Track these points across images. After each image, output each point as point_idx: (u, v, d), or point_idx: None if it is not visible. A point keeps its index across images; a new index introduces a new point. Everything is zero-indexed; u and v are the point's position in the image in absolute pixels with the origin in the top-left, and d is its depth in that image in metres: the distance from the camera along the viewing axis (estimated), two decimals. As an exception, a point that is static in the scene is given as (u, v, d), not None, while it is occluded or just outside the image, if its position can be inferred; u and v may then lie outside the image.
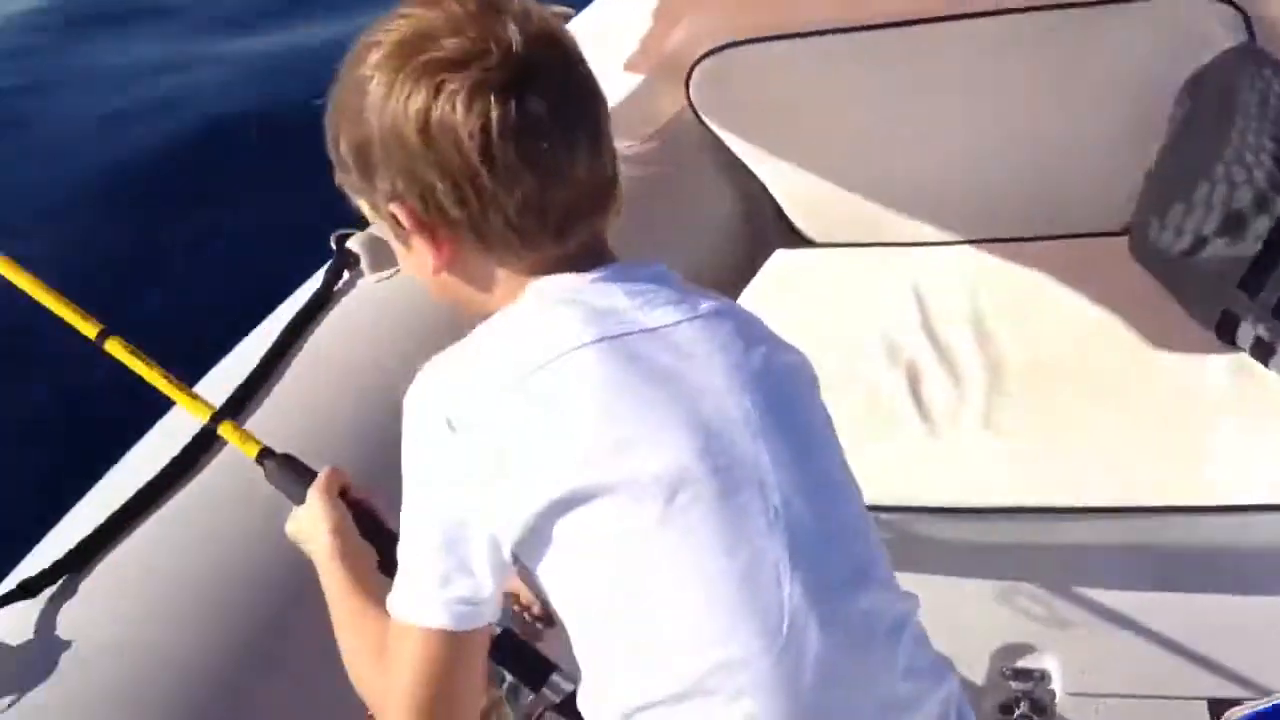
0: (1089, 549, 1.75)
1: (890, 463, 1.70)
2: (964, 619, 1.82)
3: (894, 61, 2.12)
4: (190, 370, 1.45)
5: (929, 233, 2.18)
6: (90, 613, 1.32)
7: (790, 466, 0.96)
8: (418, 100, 0.92)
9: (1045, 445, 1.75)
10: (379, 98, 0.95)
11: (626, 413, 0.94)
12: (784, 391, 1.00)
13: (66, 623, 1.30)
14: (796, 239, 2.37)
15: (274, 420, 1.51)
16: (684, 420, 0.93)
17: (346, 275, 1.89)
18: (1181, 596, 1.74)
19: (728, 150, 2.29)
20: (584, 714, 1.02)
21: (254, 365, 1.62)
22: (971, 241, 2.17)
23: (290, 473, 1.23)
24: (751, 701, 0.91)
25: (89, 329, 1.29)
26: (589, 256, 1.00)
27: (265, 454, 1.26)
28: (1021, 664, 1.87)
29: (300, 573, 1.15)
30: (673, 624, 0.93)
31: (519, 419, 0.93)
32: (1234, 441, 1.70)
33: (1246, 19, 1.98)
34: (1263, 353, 1.79)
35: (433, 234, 0.98)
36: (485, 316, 1.00)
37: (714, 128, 2.26)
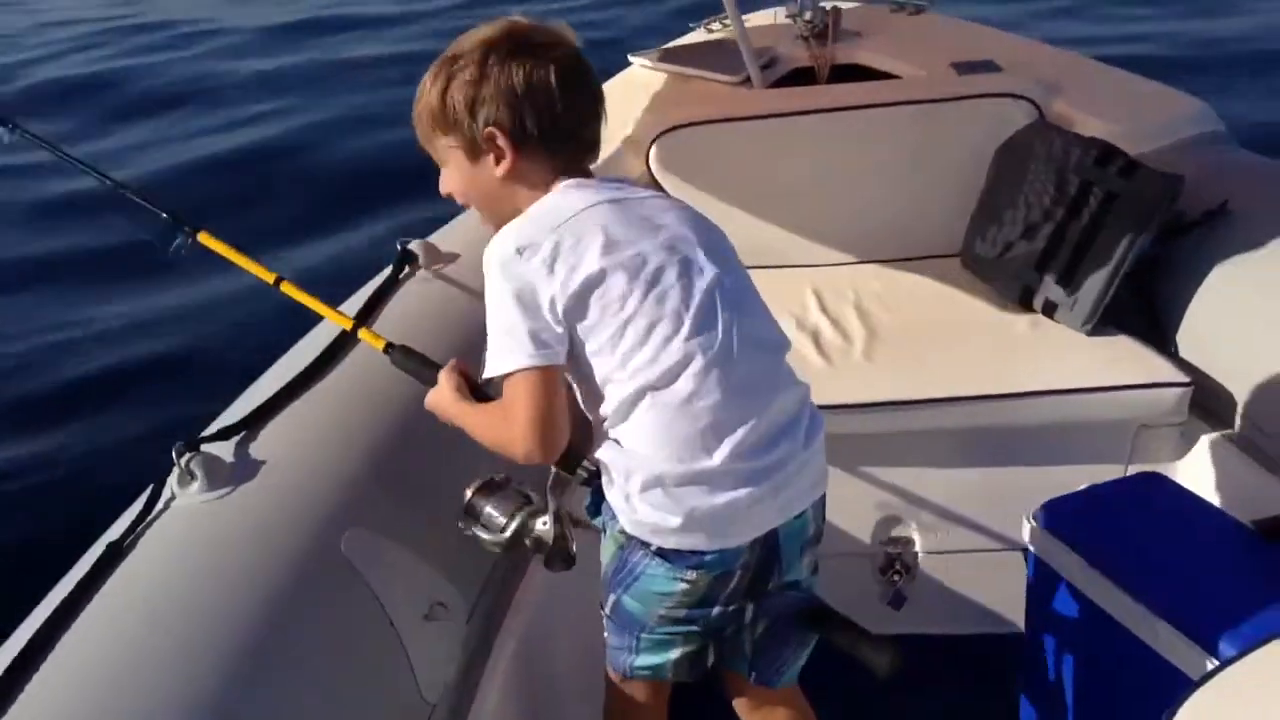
0: (937, 433, 2.49)
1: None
2: (848, 499, 2.54)
3: (801, 140, 2.98)
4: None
5: (824, 257, 3.00)
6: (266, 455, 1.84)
7: (721, 264, 1.65)
8: (525, 62, 1.58)
9: (908, 368, 2.52)
10: (495, 63, 1.57)
11: (623, 232, 1.59)
12: (715, 234, 1.72)
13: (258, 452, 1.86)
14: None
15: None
16: (656, 236, 1.60)
17: (407, 269, 2.56)
18: (1003, 467, 2.49)
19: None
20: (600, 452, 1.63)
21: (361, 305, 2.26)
22: (853, 263, 2.99)
23: (413, 360, 1.90)
24: (705, 377, 1.56)
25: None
26: (586, 172, 1.66)
27: (390, 347, 1.93)
28: (893, 533, 2.59)
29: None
30: (656, 335, 1.56)
31: (563, 242, 1.55)
32: (1032, 359, 2.51)
33: (1039, 109, 2.92)
34: (1050, 310, 2.63)
35: (510, 146, 1.59)
36: (516, 213, 1.61)
37: (667, 187, 3.08)
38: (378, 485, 1.86)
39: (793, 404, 1.67)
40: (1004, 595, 2.44)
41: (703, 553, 1.62)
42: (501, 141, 1.60)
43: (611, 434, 1.62)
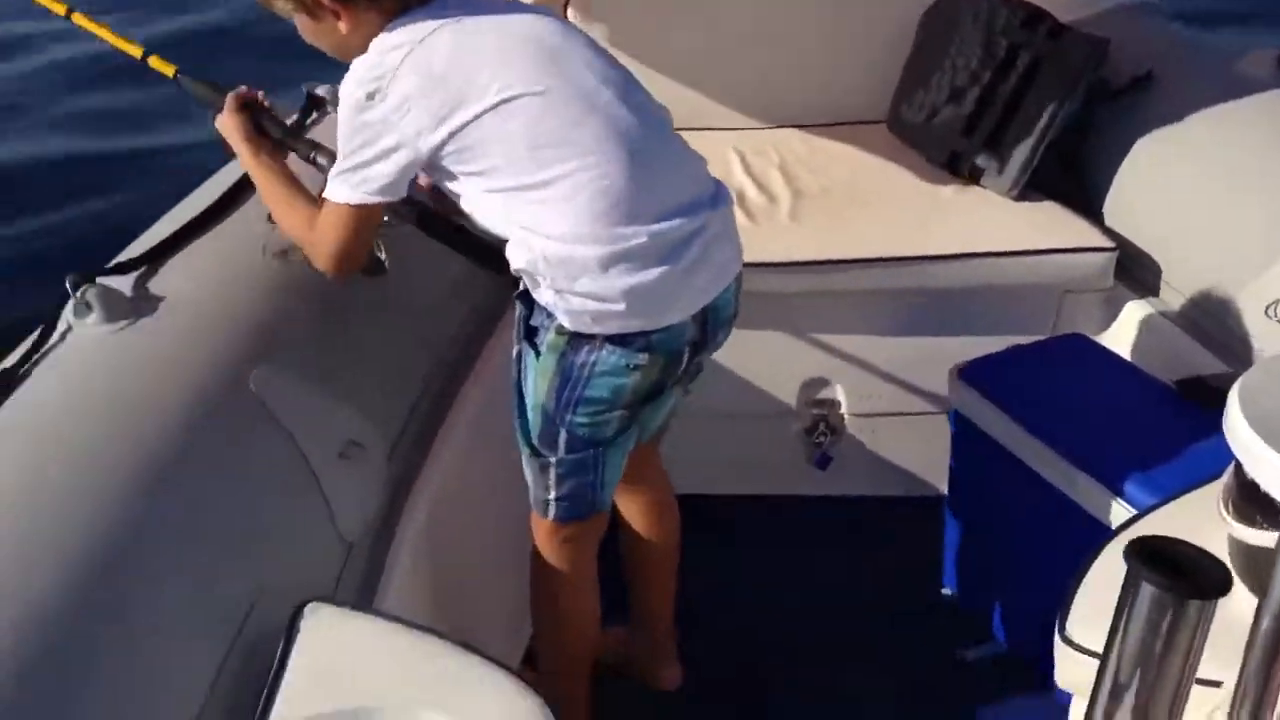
0: (863, 294, 2.47)
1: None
2: (775, 360, 2.52)
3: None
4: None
5: (746, 120, 2.90)
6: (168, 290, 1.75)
7: (585, 49, 1.60)
8: None
9: (833, 228, 2.48)
10: None
11: (475, 45, 1.53)
12: (573, 29, 1.66)
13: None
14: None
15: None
16: (512, 38, 1.55)
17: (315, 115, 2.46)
18: (928, 332, 2.49)
19: None
20: (494, 230, 1.62)
21: None
22: (777, 127, 2.91)
23: (201, 86, 1.85)
24: (603, 155, 1.53)
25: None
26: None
27: (181, 72, 1.87)
28: (819, 395, 2.57)
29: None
30: (543, 130, 1.52)
31: (410, 81, 1.49)
32: (958, 222, 2.49)
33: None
34: (976, 175, 2.60)
35: (340, 6, 1.54)
36: (361, 52, 1.54)
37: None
38: (288, 324, 1.78)
39: (698, 169, 1.69)
40: (929, 458, 2.46)
41: (649, 333, 1.61)
42: (330, 3, 1.56)
43: (524, 237, 1.58)
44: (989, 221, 2.48)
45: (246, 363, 1.66)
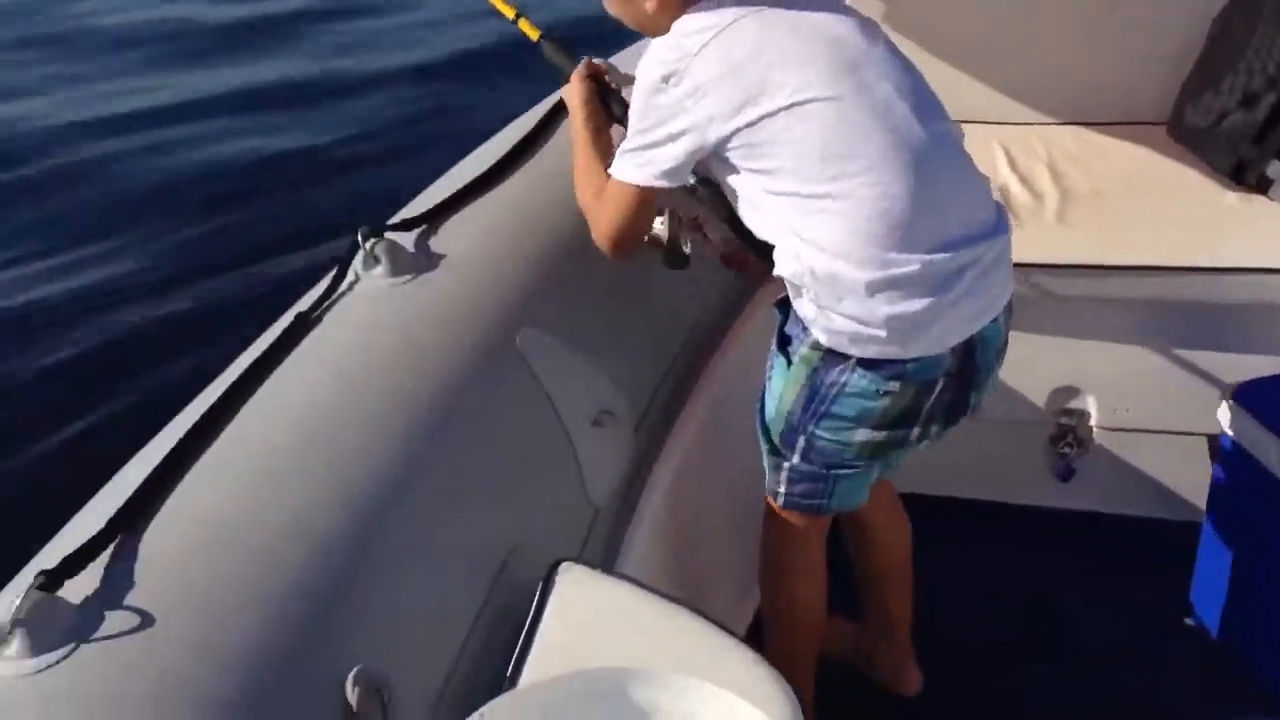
0: (1129, 303, 2.35)
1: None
2: (1024, 364, 2.42)
3: None
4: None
5: (1015, 115, 2.78)
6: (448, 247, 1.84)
7: (889, 60, 1.56)
8: None
9: (1103, 232, 2.37)
10: None
11: (780, 40, 1.50)
12: (879, 32, 1.60)
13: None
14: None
15: None
16: (814, 37, 1.52)
17: None
18: (1197, 347, 2.35)
19: None
20: (768, 236, 1.59)
21: None
22: (1047, 124, 2.79)
23: (558, 53, 1.87)
24: (890, 174, 1.48)
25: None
26: None
27: (545, 37, 1.90)
28: (1069, 404, 2.47)
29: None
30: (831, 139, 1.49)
31: (710, 67, 1.48)
32: (1239, 234, 2.33)
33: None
34: (1264, 186, 2.44)
35: None
36: (663, 32, 1.54)
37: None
38: (557, 287, 1.84)
39: (983, 196, 1.61)
40: (1183, 480, 2.34)
41: (903, 361, 1.56)
42: None
43: (794, 245, 1.54)
44: (1273, 235, 2.32)
45: (514, 323, 1.72)
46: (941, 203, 1.53)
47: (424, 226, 1.86)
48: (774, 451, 1.74)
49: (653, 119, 1.54)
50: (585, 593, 1.38)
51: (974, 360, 1.62)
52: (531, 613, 1.34)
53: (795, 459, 1.71)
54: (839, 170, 1.49)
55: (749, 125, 1.49)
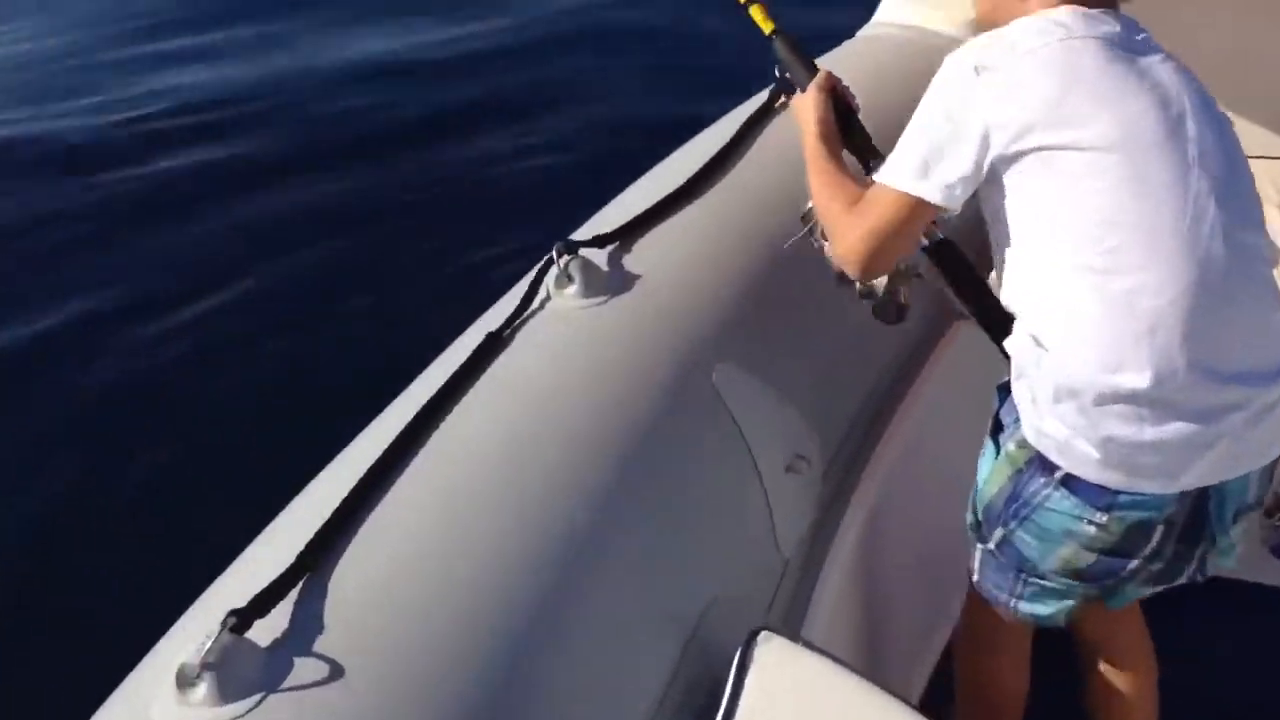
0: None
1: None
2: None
3: None
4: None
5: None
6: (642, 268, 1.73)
7: (1217, 146, 1.35)
8: None
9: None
10: None
11: (1102, 79, 1.33)
12: (1217, 111, 1.40)
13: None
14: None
15: None
16: (1141, 93, 1.33)
17: None
18: None
19: None
20: (1011, 303, 1.43)
21: None
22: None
23: (792, 55, 1.72)
24: (1162, 271, 1.28)
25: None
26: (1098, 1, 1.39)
27: (776, 33, 1.74)
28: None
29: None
30: (1108, 207, 1.30)
31: (1026, 74, 1.33)
32: None
33: None
34: None
35: None
36: (997, 25, 1.41)
37: None
38: (753, 315, 1.73)
39: (1273, 330, 1.36)
40: None
41: (1116, 492, 1.35)
42: None
43: (1028, 315, 1.39)
44: None
45: (711, 356, 1.62)
46: (1227, 326, 1.31)
47: (617, 243, 1.76)
48: (975, 526, 1.57)
49: (941, 112, 1.37)
50: (786, 669, 1.27)
51: (1205, 515, 1.38)
52: (729, 686, 1.24)
53: (991, 545, 1.53)
54: (1119, 242, 1.30)
55: (1042, 149, 1.32)
